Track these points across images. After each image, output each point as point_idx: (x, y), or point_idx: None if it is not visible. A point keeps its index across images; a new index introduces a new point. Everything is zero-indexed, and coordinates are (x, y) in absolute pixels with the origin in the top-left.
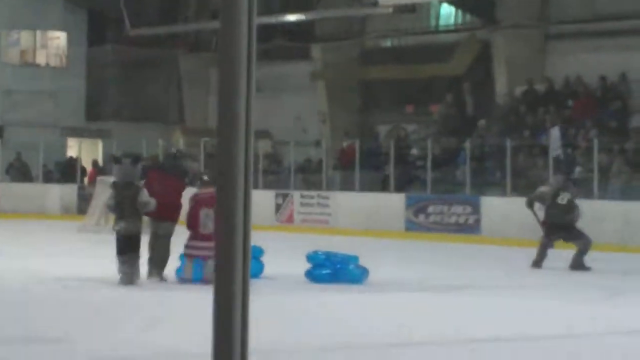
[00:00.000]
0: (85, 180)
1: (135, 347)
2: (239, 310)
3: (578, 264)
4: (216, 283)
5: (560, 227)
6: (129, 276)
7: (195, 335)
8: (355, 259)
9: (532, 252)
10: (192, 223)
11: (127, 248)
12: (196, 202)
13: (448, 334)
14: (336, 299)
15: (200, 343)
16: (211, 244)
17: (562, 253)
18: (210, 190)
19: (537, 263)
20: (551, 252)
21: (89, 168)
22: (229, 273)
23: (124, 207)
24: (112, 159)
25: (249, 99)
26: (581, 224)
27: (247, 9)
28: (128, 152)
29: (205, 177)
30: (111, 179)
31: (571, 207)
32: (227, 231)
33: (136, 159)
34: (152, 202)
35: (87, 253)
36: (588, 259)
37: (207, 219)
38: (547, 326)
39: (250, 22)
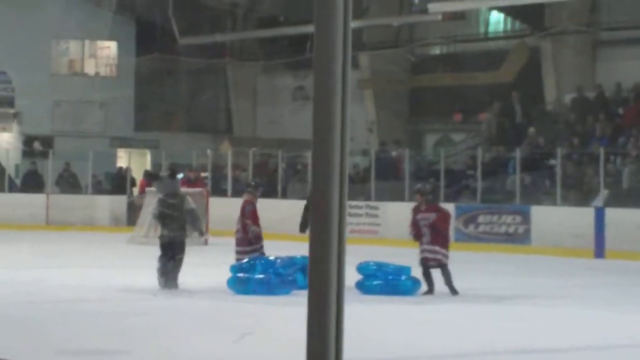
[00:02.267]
0: (135, 190)
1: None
2: (333, 321)
3: None
4: (310, 294)
5: None
6: (162, 282)
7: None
8: (407, 270)
9: (582, 262)
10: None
11: (166, 255)
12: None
13: (502, 344)
14: (389, 310)
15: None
16: (245, 247)
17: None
18: (248, 198)
19: None
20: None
21: (139, 179)
22: (324, 284)
23: (168, 215)
24: (147, 176)
25: (345, 104)
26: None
27: (342, 11)
28: (157, 168)
29: (250, 188)
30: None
31: None
32: (323, 240)
33: (173, 172)
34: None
35: (137, 263)
36: None
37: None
38: (605, 336)
39: (346, 25)
